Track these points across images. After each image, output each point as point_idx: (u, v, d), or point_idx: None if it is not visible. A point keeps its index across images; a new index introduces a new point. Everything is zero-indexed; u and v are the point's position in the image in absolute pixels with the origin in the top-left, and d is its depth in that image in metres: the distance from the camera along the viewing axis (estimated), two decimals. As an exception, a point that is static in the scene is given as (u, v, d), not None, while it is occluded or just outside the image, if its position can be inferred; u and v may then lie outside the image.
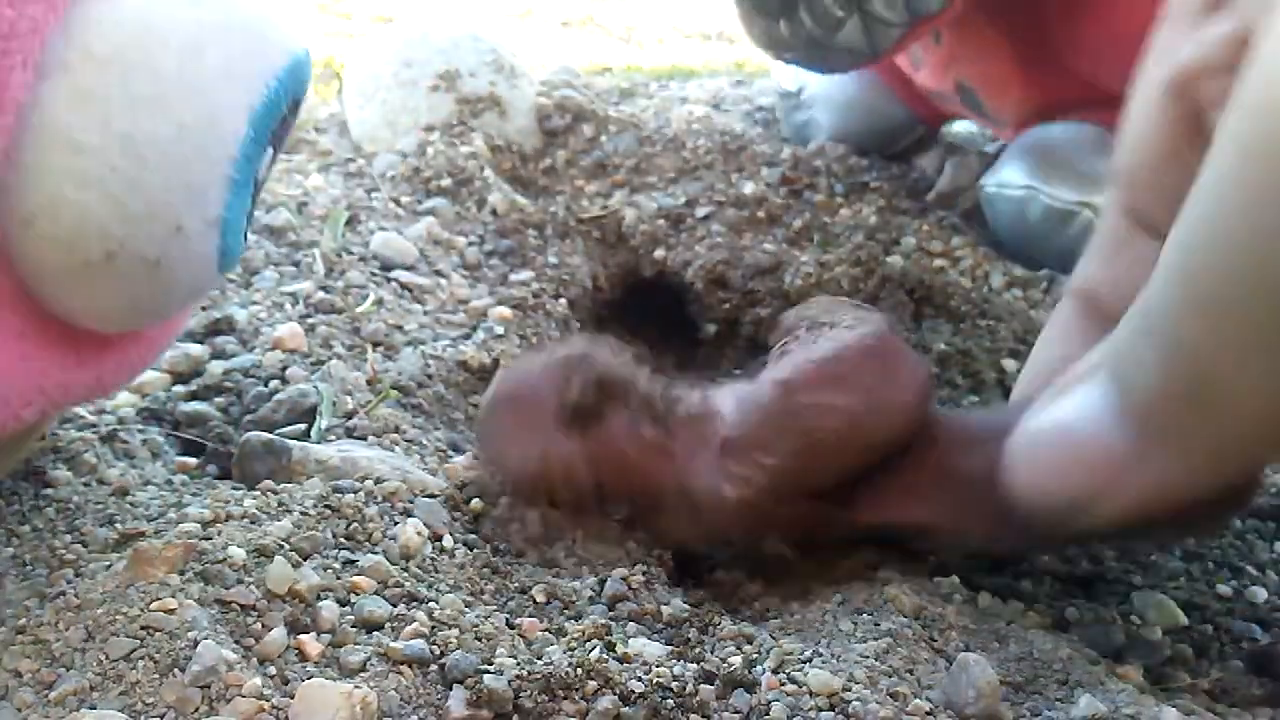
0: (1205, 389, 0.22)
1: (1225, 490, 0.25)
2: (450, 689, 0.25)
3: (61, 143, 0.21)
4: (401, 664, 0.25)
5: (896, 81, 0.66)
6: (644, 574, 0.31)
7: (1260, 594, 0.32)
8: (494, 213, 0.56)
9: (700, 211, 0.59)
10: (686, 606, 0.30)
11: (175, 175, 0.23)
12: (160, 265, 0.24)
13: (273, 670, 0.25)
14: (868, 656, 0.26)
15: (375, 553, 0.29)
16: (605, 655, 0.26)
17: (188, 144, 0.22)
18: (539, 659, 0.26)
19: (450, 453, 0.37)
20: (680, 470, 0.31)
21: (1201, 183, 0.22)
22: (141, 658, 0.24)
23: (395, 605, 0.27)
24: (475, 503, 0.33)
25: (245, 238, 0.26)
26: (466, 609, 0.28)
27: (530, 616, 0.29)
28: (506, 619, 0.28)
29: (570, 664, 0.25)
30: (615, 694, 0.25)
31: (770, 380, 0.30)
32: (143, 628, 0.25)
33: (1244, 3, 0.25)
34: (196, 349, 0.40)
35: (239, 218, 0.25)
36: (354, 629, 0.26)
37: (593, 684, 0.25)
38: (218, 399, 0.38)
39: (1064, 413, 0.26)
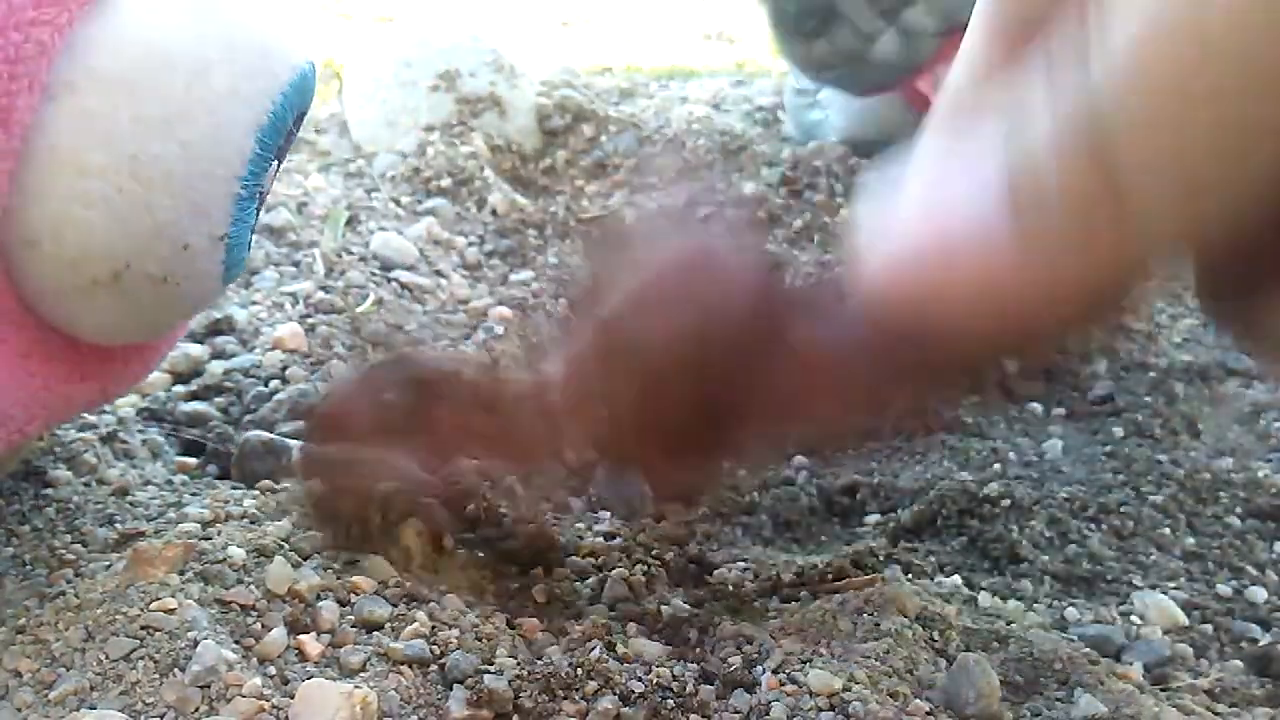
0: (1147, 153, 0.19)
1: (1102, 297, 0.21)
2: (450, 689, 0.25)
3: (68, 164, 0.22)
4: (401, 664, 0.25)
5: (911, 94, 0.66)
6: (644, 574, 0.31)
7: (1260, 594, 0.32)
8: (494, 213, 0.56)
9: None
10: (686, 606, 0.30)
11: (182, 195, 0.23)
12: (167, 282, 0.24)
13: (272, 670, 0.25)
14: (868, 657, 0.26)
15: (375, 553, 0.29)
16: (605, 655, 0.26)
17: (195, 164, 0.23)
18: (539, 659, 0.26)
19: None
20: (520, 445, 0.29)
21: None
22: (141, 658, 0.24)
23: (395, 605, 0.27)
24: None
25: (249, 247, 0.26)
26: (467, 609, 0.28)
27: (530, 617, 0.29)
28: (507, 619, 0.28)
29: (570, 664, 0.25)
30: (615, 694, 0.25)
31: (586, 325, 0.28)
32: (143, 628, 0.25)
33: None
34: (197, 349, 0.40)
35: (244, 232, 0.25)
36: (354, 629, 0.26)
37: (593, 684, 0.25)
38: (218, 399, 0.38)
39: (934, 195, 0.22)
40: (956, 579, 0.32)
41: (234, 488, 0.33)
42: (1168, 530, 0.36)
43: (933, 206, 0.22)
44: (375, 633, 0.26)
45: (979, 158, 0.22)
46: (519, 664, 0.26)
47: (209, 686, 0.24)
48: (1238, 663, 0.29)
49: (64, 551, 0.29)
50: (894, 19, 0.50)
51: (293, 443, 0.35)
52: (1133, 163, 0.19)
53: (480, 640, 0.27)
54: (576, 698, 0.25)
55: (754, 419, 0.28)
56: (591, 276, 0.31)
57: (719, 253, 0.28)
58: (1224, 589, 0.32)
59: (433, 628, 0.27)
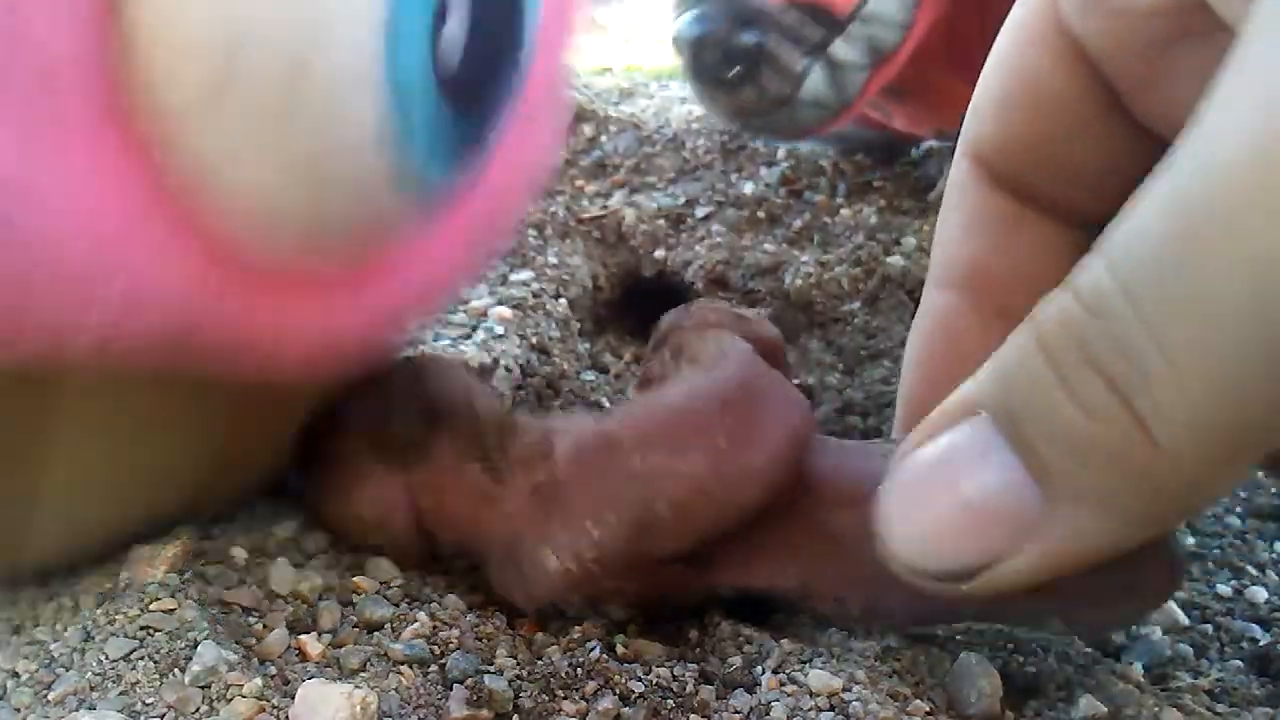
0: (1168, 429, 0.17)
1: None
2: (450, 689, 0.25)
3: None
4: (401, 664, 0.25)
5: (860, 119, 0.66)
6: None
7: (1260, 594, 0.32)
8: (494, 213, 0.55)
9: (700, 211, 0.59)
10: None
11: None
12: (301, 81, 0.17)
13: (273, 670, 0.25)
14: (868, 657, 0.26)
15: (377, 553, 0.29)
16: (605, 655, 0.26)
17: None
18: (538, 659, 0.26)
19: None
20: (506, 521, 0.26)
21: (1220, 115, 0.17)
22: (141, 658, 0.24)
23: (396, 605, 0.27)
24: None
25: (442, 143, 0.19)
26: (468, 609, 0.28)
27: (528, 614, 0.29)
28: (507, 619, 0.28)
29: (570, 664, 0.25)
30: (615, 694, 0.25)
31: (603, 435, 0.25)
32: (142, 628, 0.25)
33: None
34: (197, 349, 0.40)
35: (416, 32, 0.18)
36: (355, 629, 0.26)
37: (592, 684, 0.25)
38: (218, 399, 0.38)
39: (944, 455, 0.21)
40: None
41: (234, 488, 0.33)
42: (1168, 530, 0.36)
43: (938, 475, 0.21)
44: (376, 633, 0.26)
45: (968, 408, 0.21)
46: (518, 664, 0.26)
47: (209, 687, 0.24)
48: (1238, 662, 0.29)
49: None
50: (820, 54, 0.48)
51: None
52: (1161, 389, 0.17)
53: (480, 640, 0.27)
54: (576, 698, 0.25)
55: (746, 576, 0.27)
56: (644, 371, 0.29)
57: (762, 394, 0.25)
58: (1224, 589, 0.32)
59: (433, 628, 0.27)
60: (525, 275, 0.51)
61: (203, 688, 0.24)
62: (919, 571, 0.21)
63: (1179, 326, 0.17)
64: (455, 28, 0.19)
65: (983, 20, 0.27)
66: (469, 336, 0.45)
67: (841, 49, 0.47)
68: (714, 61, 0.48)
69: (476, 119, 0.21)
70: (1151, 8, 0.23)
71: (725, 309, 0.30)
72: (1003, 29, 0.26)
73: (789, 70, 0.48)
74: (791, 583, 0.27)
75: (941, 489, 0.21)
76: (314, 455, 0.28)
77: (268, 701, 0.23)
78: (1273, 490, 0.38)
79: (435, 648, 0.26)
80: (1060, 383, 0.18)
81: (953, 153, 0.28)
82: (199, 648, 0.24)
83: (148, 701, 0.23)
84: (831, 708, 0.24)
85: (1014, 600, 0.22)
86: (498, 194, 0.23)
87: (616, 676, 0.25)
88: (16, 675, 0.24)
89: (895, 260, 0.54)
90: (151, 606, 0.25)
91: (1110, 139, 0.25)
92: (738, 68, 0.48)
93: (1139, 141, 0.25)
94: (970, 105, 0.28)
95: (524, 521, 0.26)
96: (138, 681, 0.24)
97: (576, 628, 0.28)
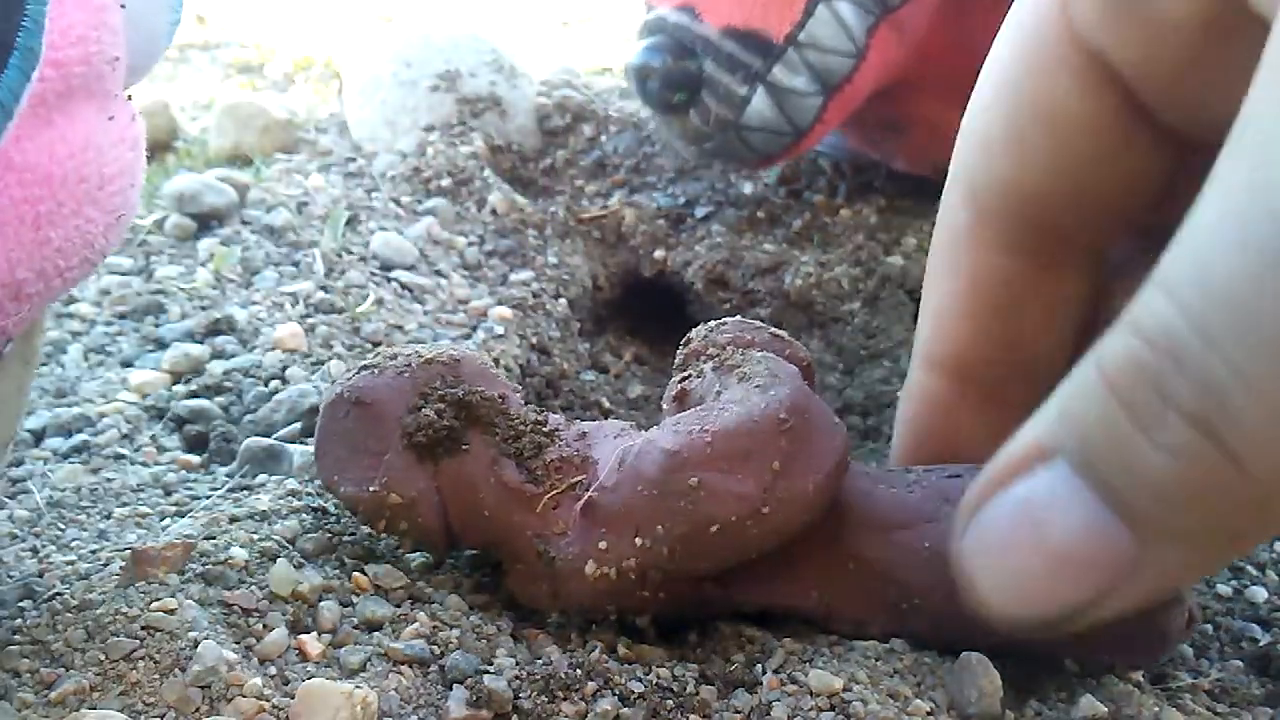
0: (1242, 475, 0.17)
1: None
2: (450, 689, 0.25)
3: None
4: (402, 664, 0.25)
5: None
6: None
7: (1260, 594, 0.32)
8: (494, 212, 0.56)
9: (700, 211, 0.59)
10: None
11: None
12: None
13: (273, 670, 0.25)
14: (869, 657, 0.26)
15: (378, 553, 0.29)
16: (605, 656, 0.26)
17: None
18: (538, 659, 0.26)
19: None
20: (540, 526, 0.27)
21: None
22: (142, 658, 0.24)
23: (398, 605, 0.27)
24: None
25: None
26: (470, 610, 0.28)
27: (532, 617, 0.29)
28: (513, 622, 0.28)
29: (570, 664, 0.25)
30: (615, 694, 0.25)
31: (659, 448, 0.25)
32: (143, 628, 0.25)
33: None
34: (197, 349, 0.40)
35: None
36: (355, 629, 0.26)
37: (592, 684, 0.25)
38: (218, 399, 0.38)
39: (1025, 504, 0.21)
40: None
41: (236, 489, 0.33)
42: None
43: (1023, 525, 0.21)
44: (376, 633, 0.26)
45: (1040, 453, 0.20)
46: (518, 664, 0.26)
47: (209, 686, 0.24)
48: (1238, 662, 0.29)
49: (62, 551, 0.29)
50: (760, 81, 0.48)
51: (292, 447, 0.35)
52: (1252, 422, 0.17)
53: (481, 640, 0.27)
54: (576, 698, 0.25)
55: (770, 595, 0.27)
56: (681, 385, 0.28)
57: (811, 420, 0.25)
58: (1224, 589, 0.32)
59: (434, 628, 0.27)
60: (525, 275, 0.51)
61: (203, 687, 0.24)
62: (1015, 621, 0.21)
63: (1261, 360, 0.16)
64: None
65: (975, 52, 0.26)
66: (469, 336, 0.45)
67: (783, 75, 0.48)
68: (658, 88, 0.49)
69: None
70: (1186, 16, 0.22)
71: (762, 327, 0.30)
72: (995, 58, 0.25)
73: (731, 95, 0.48)
74: (812, 604, 0.27)
75: (1027, 539, 0.21)
76: (341, 444, 0.28)
77: (268, 701, 0.23)
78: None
79: (435, 648, 0.26)
80: (1137, 425, 0.18)
81: None
82: (199, 647, 0.24)
83: (148, 701, 0.23)
84: (832, 708, 0.24)
85: (1036, 640, 0.22)
86: (39, 181, 0.21)
87: (616, 677, 0.25)
88: (17, 674, 0.24)
89: (895, 260, 0.54)
90: (152, 607, 0.25)
91: (1141, 154, 0.24)
92: (681, 94, 0.49)
93: (1168, 152, 0.24)
94: (967, 138, 0.26)
95: (561, 524, 0.26)
96: (138, 681, 0.24)
97: (582, 634, 0.28)
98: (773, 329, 0.30)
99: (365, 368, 0.29)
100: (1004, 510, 0.21)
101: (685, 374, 0.29)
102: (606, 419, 0.46)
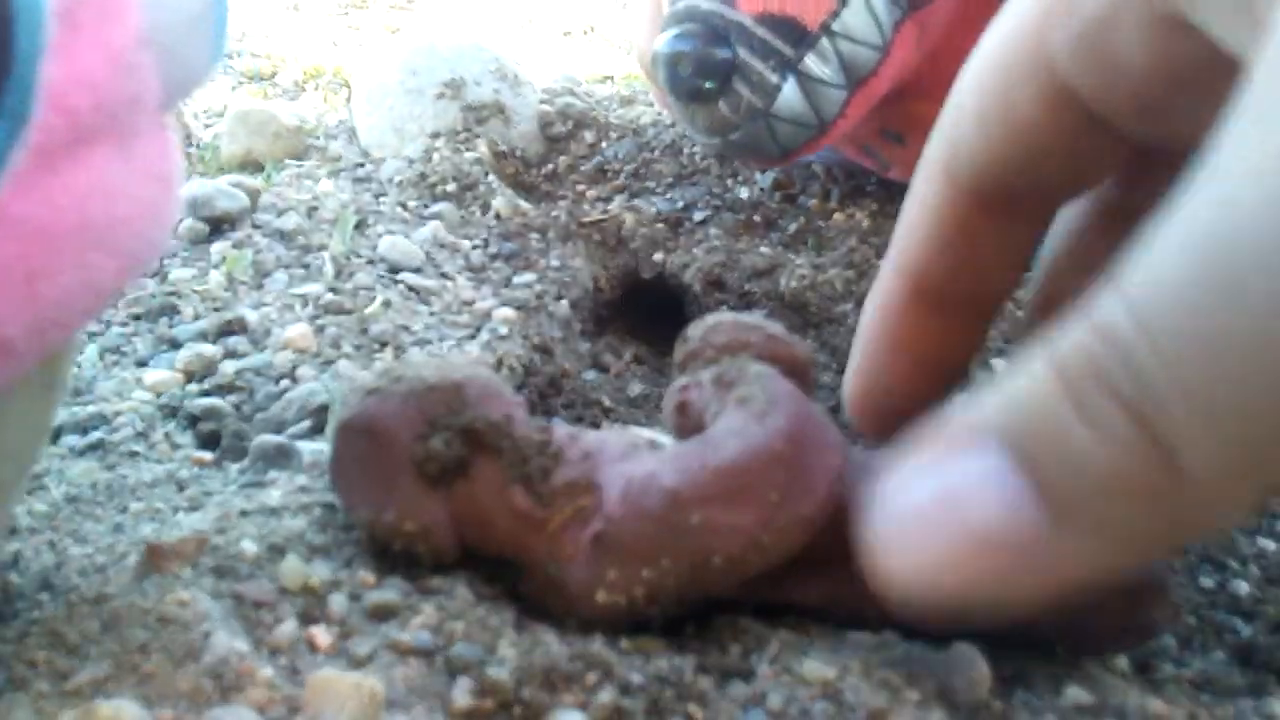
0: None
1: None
2: (454, 679, 0.26)
3: None
4: (408, 654, 0.26)
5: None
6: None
7: (1242, 587, 0.32)
8: (498, 217, 0.56)
9: (698, 216, 0.60)
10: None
11: None
12: None
13: (284, 661, 0.25)
14: (862, 648, 0.27)
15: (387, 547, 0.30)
16: (606, 647, 0.26)
17: None
18: (540, 650, 0.26)
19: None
20: (551, 549, 0.27)
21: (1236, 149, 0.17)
22: (156, 649, 0.25)
23: (405, 597, 0.28)
24: None
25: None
26: (478, 602, 0.28)
27: (535, 609, 0.29)
28: (514, 611, 0.29)
29: (571, 655, 0.26)
30: (615, 685, 0.25)
31: (661, 486, 0.26)
32: (157, 619, 0.25)
33: None
34: (209, 349, 0.41)
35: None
36: (364, 621, 0.27)
37: (593, 675, 0.26)
38: (230, 397, 0.39)
39: (952, 486, 0.21)
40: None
41: (247, 485, 0.34)
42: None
43: (942, 503, 0.21)
44: (384, 624, 0.27)
45: (974, 437, 0.20)
46: (520, 655, 0.26)
47: (222, 677, 0.24)
48: (1221, 654, 0.29)
49: (78, 545, 0.30)
50: (793, 69, 0.47)
51: (302, 444, 0.35)
52: (1183, 414, 0.17)
53: (485, 631, 0.27)
54: (576, 689, 0.25)
55: (774, 593, 0.27)
56: (682, 395, 0.29)
57: (809, 442, 0.26)
58: (1208, 582, 0.33)
59: (440, 619, 0.27)
60: (528, 277, 0.52)
61: (216, 678, 0.24)
62: (915, 601, 0.21)
63: (1196, 365, 0.17)
64: None
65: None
66: (473, 337, 0.46)
67: (814, 65, 0.47)
68: (690, 75, 0.48)
69: None
70: (1152, 67, 0.23)
71: (758, 326, 0.30)
72: (977, 63, 0.26)
73: (763, 83, 0.47)
74: (813, 598, 0.28)
75: (947, 521, 0.21)
76: (354, 470, 0.29)
77: (279, 691, 0.24)
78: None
79: (440, 638, 0.26)
80: (1077, 410, 0.18)
81: None
82: (212, 639, 0.25)
83: (162, 691, 0.24)
84: (826, 696, 0.25)
85: (1020, 623, 0.22)
86: (32, 235, 0.19)
87: (617, 668, 0.26)
88: (34, 665, 0.25)
89: (891, 263, 0.54)
90: (166, 599, 0.26)
91: (1092, 155, 0.26)
92: (711, 81, 0.48)
93: (1128, 154, 0.26)
94: (946, 117, 0.28)
95: (571, 548, 0.27)
96: (153, 672, 0.24)
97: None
98: (769, 328, 0.30)
99: (370, 393, 0.29)
100: (925, 486, 0.21)
101: (685, 383, 0.30)
102: (607, 417, 0.46)
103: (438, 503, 0.28)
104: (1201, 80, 0.22)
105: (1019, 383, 0.20)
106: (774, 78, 0.48)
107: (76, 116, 0.20)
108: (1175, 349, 0.17)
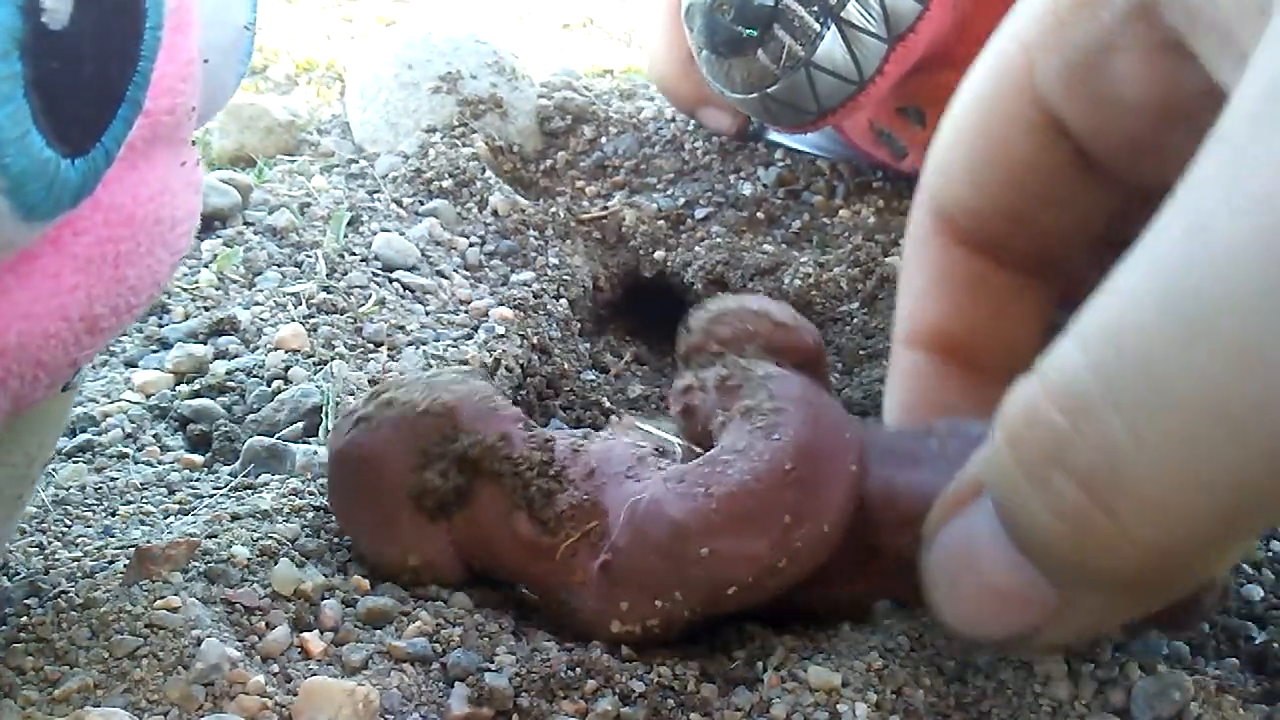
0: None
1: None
2: (451, 686, 0.25)
3: None
4: (403, 661, 0.26)
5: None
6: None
7: (1256, 593, 0.32)
8: (495, 214, 0.56)
9: (699, 212, 0.59)
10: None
11: None
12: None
13: (276, 668, 0.25)
14: (868, 652, 0.27)
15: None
16: (606, 655, 0.26)
17: None
18: (539, 657, 0.26)
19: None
20: (560, 575, 0.27)
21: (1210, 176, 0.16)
22: (145, 655, 0.24)
23: (400, 603, 0.28)
24: None
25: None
26: (475, 608, 0.28)
27: (534, 616, 0.29)
28: (512, 618, 0.28)
29: (570, 663, 0.26)
30: (615, 693, 0.25)
31: (667, 517, 0.25)
32: (147, 626, 0.25)
33: None
34: (200, 349, 0.41)
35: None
36: (357, 627, 0.27)
37: (593, 683, 0.25)
38: (221, 398, 0.39)
39: (964, 540, 0.21)
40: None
41: (239, 488, 0.33)
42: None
43: (963, 557, 0.22)
44: (378, 630, 0.27)
45: (979, 488, 0.21)
46: (519, 662, 0.26)
47: (213, 684, 0.24)
48: (1234, 660, 0.29)
49: (67, 549, 0.29)
50: (834, 16, 0.47)
51: (294, 447, 0.35)
52: (1146, 488, 0.17)
53: (483, 638, 0.27)
54: (576, 697, 0.25)
55: (796, 600, 0.27)
56: (685, 396, 0.28)
57: (821, 453, 0.25)
58: (1221, 587, 0.33)
59: (436, 625, 0.27)
60: (526, 276, 0.52)
61: (206, 685, 0.24)
62: (973, 640, 0.22)
63: (1161, 422, 0.16)
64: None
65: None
66: (470, 337, 0.45)
67: (856, 12, 0.46)
68: (730, 21, 0.47)
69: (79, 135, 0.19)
70: (1144, 98, 0.22)
71: (763, 314, 0.29)
72: (966, 95, 0.26)
73: (805, 28, 0.46)
74: (833, 600, 0.28)
75: (967, 571, 0.21)
76: (352, 502, 0.29)
77: (270, 699, 0.24)
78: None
79: (437, 645, 0.26)
80: (1029, 481, 0.18)
81: None
82: (203, 645, 0.24)
83: (152, 698, 0.23)
84: (830, 704, 0.25)
85: None
86: (123, 222, 0.21)
87: (617, 675, 0.25)
88: (22, 672, 0.24)
89: (894, 261, 0.54)
90: (156, 605, 0.25)
91: (1088, 200, 0.25)
92: (752, 29, 0.47)
93: (1118, 194, 0.25)
94: (933, 162, 0.27)
95: (581, 574, 0.26)
96: (142, 679, 0.24)
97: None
98: (775, 315, 0.29)
99: (360, 420, 0.28)
100: (951, 539, 0.22)
101: (688, 384, 0.29)
102: (607, 419, 0.46)
103: (439, 534, 0.27)
104: (1196, 116, 0.21)
105: (990, 442, 0.20)
106: (816, 24, 0.47)
107: (155, 118, 0.21)
108: (1142, 417, 0.16)
